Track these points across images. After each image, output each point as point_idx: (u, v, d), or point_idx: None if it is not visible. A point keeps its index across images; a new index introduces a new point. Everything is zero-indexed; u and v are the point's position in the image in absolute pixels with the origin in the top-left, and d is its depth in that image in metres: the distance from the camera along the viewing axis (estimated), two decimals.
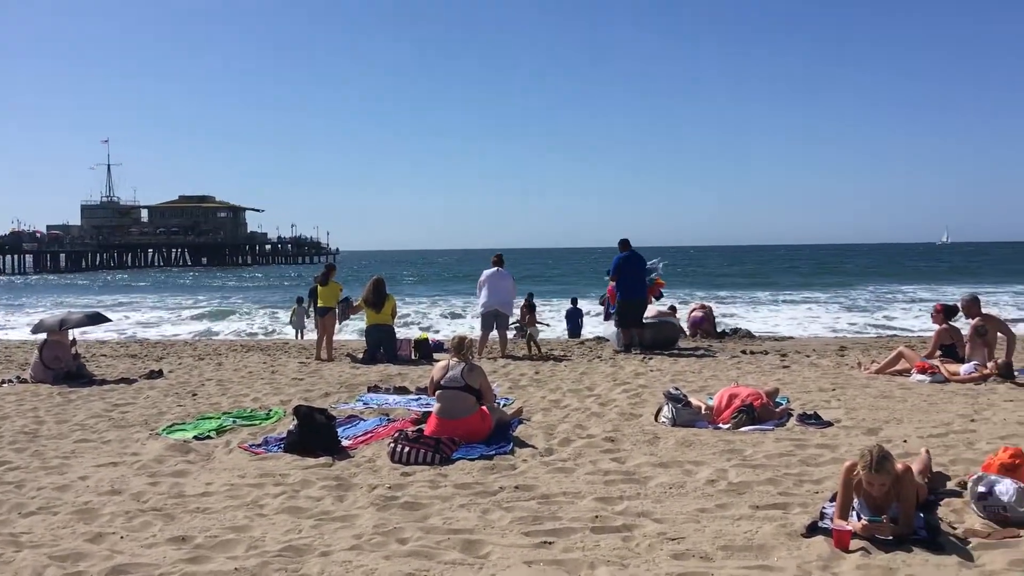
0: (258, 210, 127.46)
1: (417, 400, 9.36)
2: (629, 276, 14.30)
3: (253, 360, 13.54)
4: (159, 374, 11.72)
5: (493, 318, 13.93)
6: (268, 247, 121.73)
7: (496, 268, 14.06)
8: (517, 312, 15.88)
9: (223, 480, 6.17)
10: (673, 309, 18.04)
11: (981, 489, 5.03)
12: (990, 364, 10.44)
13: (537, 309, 17.13)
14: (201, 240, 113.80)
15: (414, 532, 4.91)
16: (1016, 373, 10.51)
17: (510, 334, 14.64)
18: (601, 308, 16.58)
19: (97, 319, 12.84)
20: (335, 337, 14.35)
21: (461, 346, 7.86)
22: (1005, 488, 4.96)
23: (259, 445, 7.21)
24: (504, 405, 8.83)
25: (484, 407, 7.48)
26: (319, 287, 14.21)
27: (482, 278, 14.05)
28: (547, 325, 20.43)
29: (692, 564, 4.33)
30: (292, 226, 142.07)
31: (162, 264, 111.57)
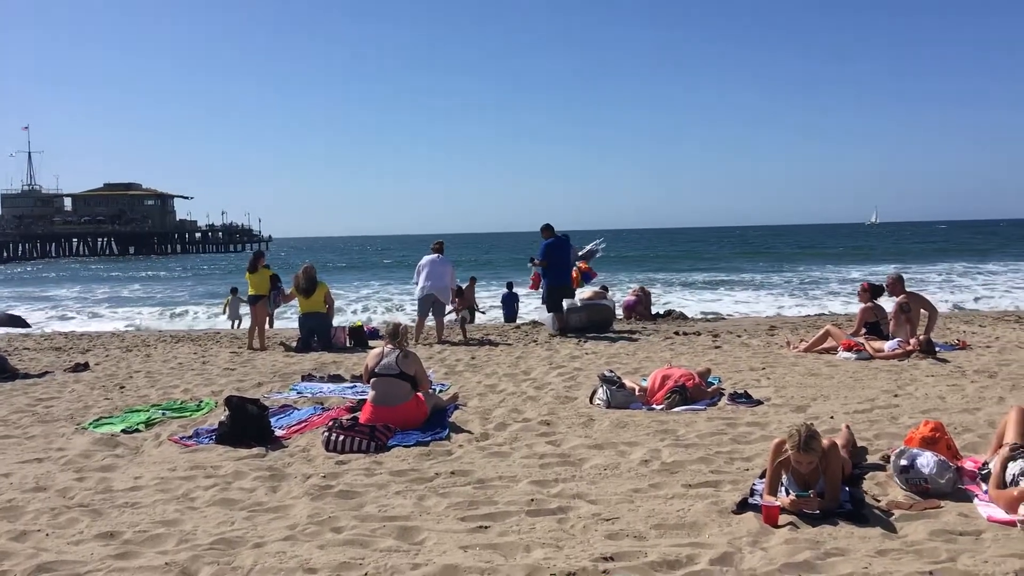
0: (187, 197, 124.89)
1: (352, 388, 9.28)
2: (557, 261, 14.43)
3: (183, 351, 13.26)
4: (85, 367, 11.40)
5: (429, 304, 13.89)
6: (198, 235, 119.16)
7: (436, 255, 14.03)
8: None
9: (152, 474, 6.04)
10: (605, 289, 18.27)
11: (903, 462, 5.19)
12: (912, 341, 10.77)
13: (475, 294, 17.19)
14: (128, 229, 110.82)
15: (349, 521, 4.88)
16: (937, 349, 10.88)
17: (449, 319, 14.60)
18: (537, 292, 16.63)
19: (13, 322, 12.41)
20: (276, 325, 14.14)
21: (396, 333, 7.81)
22: (926, 461, 5.12)
23: (190, 437, 7.08)
24: (440, 391, 8.81)
25: (419, 394, 7.46)
26: (248, 275, 13.96)
27: (421, 263, 13.98)
28: (482, 312, 20.49)
29: (626, 543, 4.39)
30: (223, 213, 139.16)
31: (87, 254, 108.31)
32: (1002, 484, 4.85)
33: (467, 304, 19.48)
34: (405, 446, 6.60)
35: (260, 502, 5.31)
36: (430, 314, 13.96)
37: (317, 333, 13.20)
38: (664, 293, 31.67)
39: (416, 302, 14.02)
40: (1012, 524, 4.49)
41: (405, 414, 7.21)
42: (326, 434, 6.66)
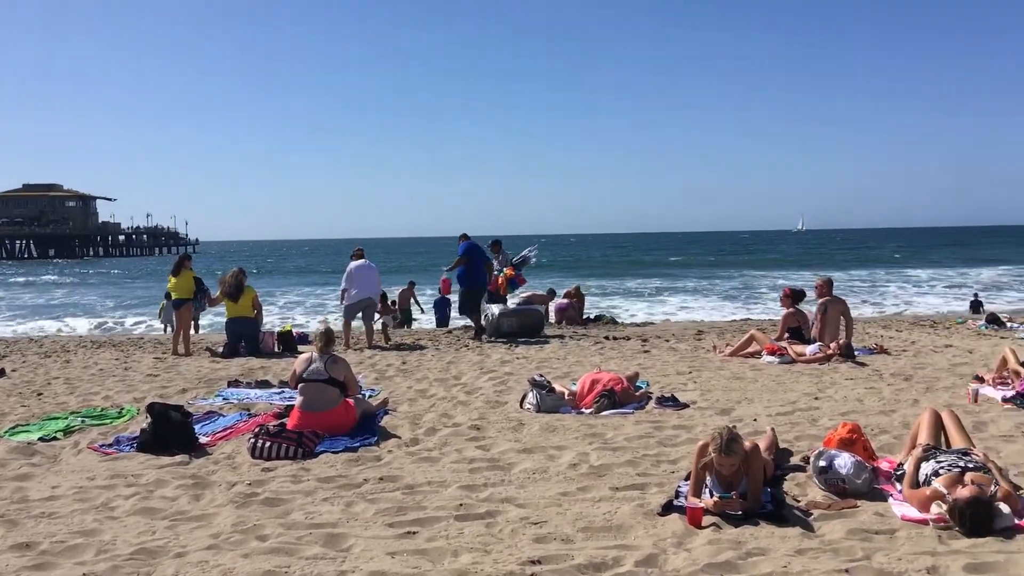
0: (110, 199, 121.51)
1: (280, 394, 9.16)
2: (473, 265, 14.60)
3: (104, 356, 12.90)
4: (0, 373, 11.02)
5: (360, 309, 13.82)
6: (122, 238, 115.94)
7: (362, 260, 13.98)
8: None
9: (71, 483, 5.87)
10: (552, 293, 18.43)
11: (822, 463, 5.34)
12: (833, 345, 11.08)
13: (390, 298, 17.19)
14: (48, 231, 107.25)
15: (275, 528, 4.81)
16: (856, 353, 11.22)
17: (377, 325, 14.52)
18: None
19: None
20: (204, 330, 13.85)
21: (326, 338, 7.75)
22: (843, 462, 5.28)
23: (110, 445, 6.89)
24: (370, 396, 8.75)
25: (348, 399, 7.40)
26: (171, 278, 13.66)
27: (350, 269, 13.88)
28: (423, 311, 20.49)
29: (553, 547, 4.42)
30: (148, 216, 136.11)
31: (5, 257, 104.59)
32: (915, 484, 5.02)
33: (403, 307, 19.47)
34: (333, 452, 6.54)
35: (183, 511, 5.20)
36: (357, 318, 13.91)
37: (245, 338, 12.99)
38: (601, 299, 31.95)
39: (344, 308, 13.91)
40: (924, 523, 4.65)
41: (334, 420, 7.14)
42: (252, 440, 6.56)
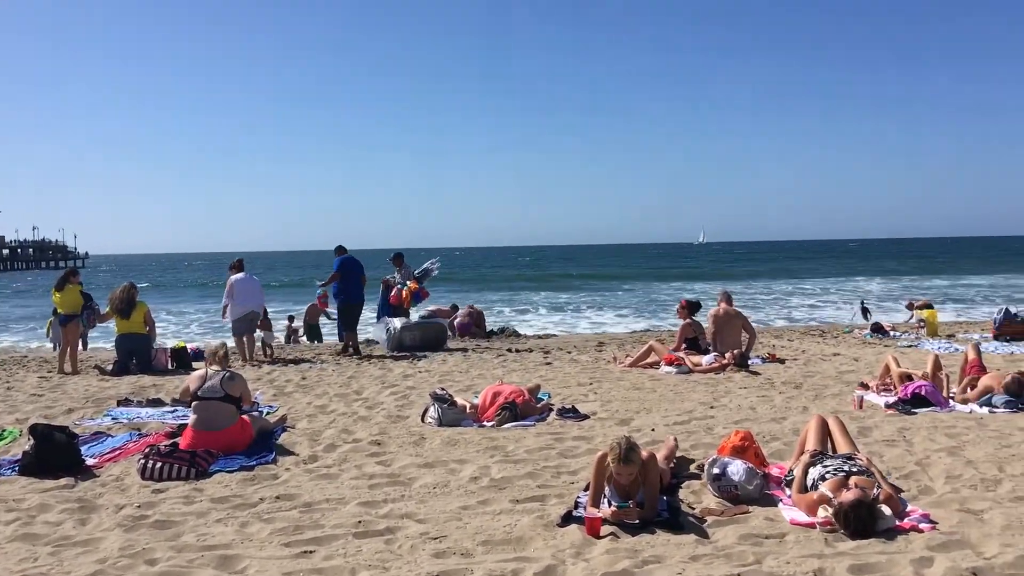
0: None
1: (173, 412, 8.87)
2: (350, 281, 14.33)
3: None
4: None
5: (249, 322, 13.56)
6: (6, 252, 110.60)
7: (243, 273, 13.72)
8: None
9: None
10: (455, 308, 18.37)
11: (715, 471, 5.48)
12: (728, 355, 11.39)
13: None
14: None
15: (165, 552, 4.65)
16: (750, 362, 11.56)
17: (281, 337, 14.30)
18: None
19: None
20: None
21: (221, 354, 7.55)
22: (736, 469, 5.43)
23: None
24: (267, 413, 8.57)
25: (244, 416, 7.22)
26: (55, 293, 13.10)
27: (233, 283, 13.56)
28: (332, 319, 20.10)
29: (453, 561, 4.41)
30: (34, 228, 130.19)
31: None
32: (804, 489, 5.20)
33: (311, 322, 19.18)
34: (228, 471, 6.37)
35: (67, 536, 4.98)
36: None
37: (136, 355, 12.55)
38: (503, 312, 32.05)
39: (232, 323, 13.60)
40: (812, 526, 4.82)
41: (229, 438, 6.95)
42: (142, 461, 6.33)
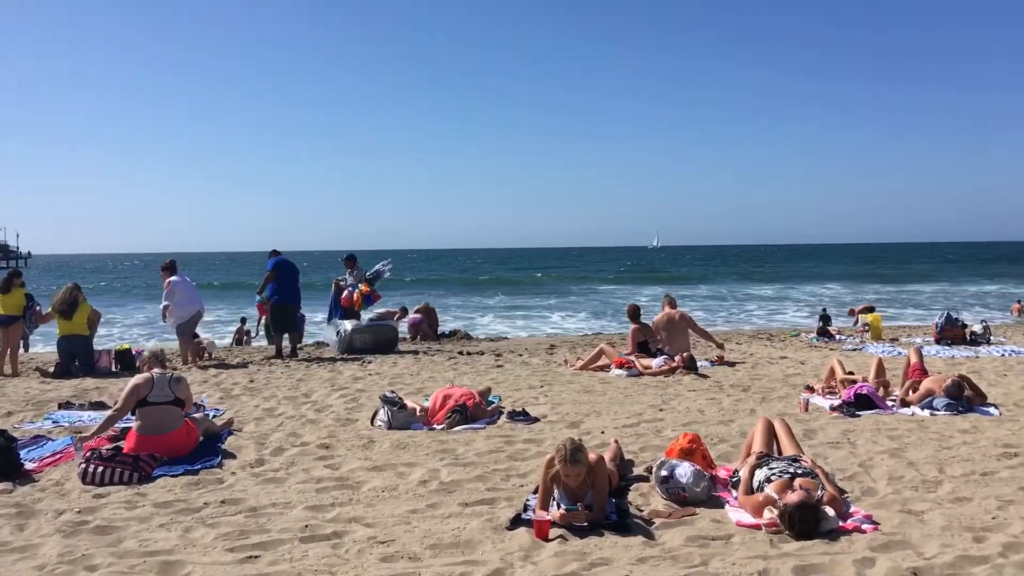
0: None
1: None
2: (285, 281, 14.13)
3: None
4: None
5: (195, 323, 13.37)
6: None
7: (179, 275, 13.52)
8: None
9: None
10: (404, 311, 18.26)
11: (663, 473, 5.52)
12: (677, 358, 11.50)
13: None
14: None
15: (105, 558, 4.55)
16: (700, 365, 11.68)
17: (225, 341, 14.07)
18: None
19: None
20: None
21: (160, 357, 7.42)
22: (684, 471, 5.48)
23: None
24: (214, 416, 8.43)
25: (188, 419, 7.10)
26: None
27: (171, 283, 13.33)
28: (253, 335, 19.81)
29: (400, 566, 4.38)
30: None
31: None
32: (750, 490, 5.26)
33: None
34: (172, 476, 6.25)
35: (4, 542, 4.85)
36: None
37: (78, 357, 12.29)
38: (457, 314, 31.97)
39: (176, 326, 13.39)
40: (757, 527, 4.87)
41: (175, 442, 6.82)
42: (83, 466, 6.19)
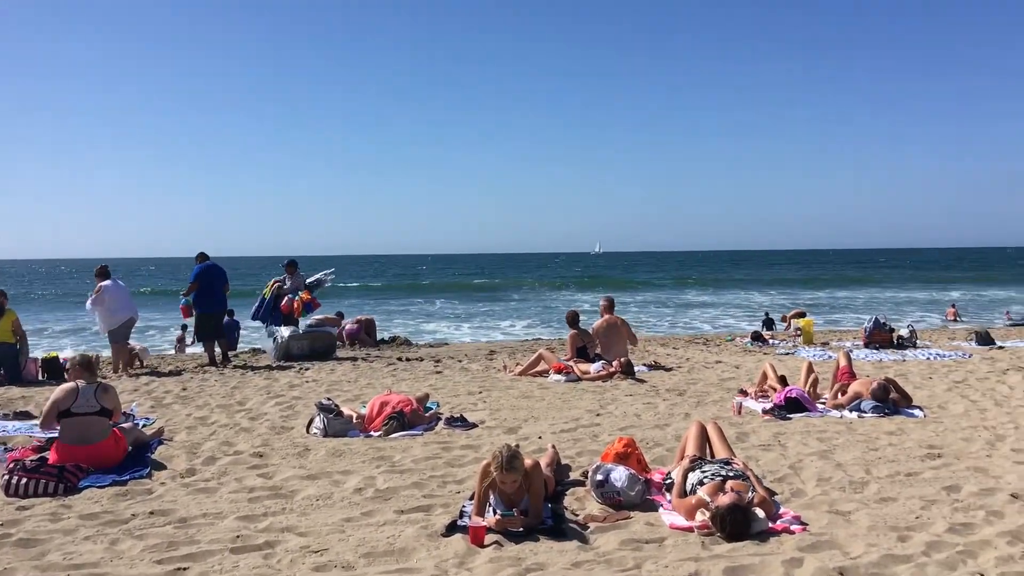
0: None
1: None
2: (209, 287, 13.90)
3: None
4: None
5: (127, 330, 13.08)
6: None
7: (111, 280, 13.20)
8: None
9: None
10: (341, 316, 18.07)
11: (599, 477, 5.56)
12: (615, 363, 11.59)
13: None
14: None
15: (28, 571, 4.42)
16: (637, 369, 11.80)
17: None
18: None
19: None
20: None
21: (89, 365, 7.23)
22: (619, 475, 5.52)
23: None
24: (144, 426, 8.25)
25: (116, 429, 6.93)
26: None
27: (102, 289, 13.01)
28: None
29: (334, 575, 4.33)
30: None
31: None
32: (683, 493, 5.33)
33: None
34: (99, 487, 6.10)
35: None
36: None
37: (4, 366, 11.92)
38: (397, 320, 31.80)
39: (108, 332, 13.07)
40: (690, 530, 4.94)
41: (102, 452, 6.65)
42: (6, 477, 6.01)
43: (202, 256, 14.19)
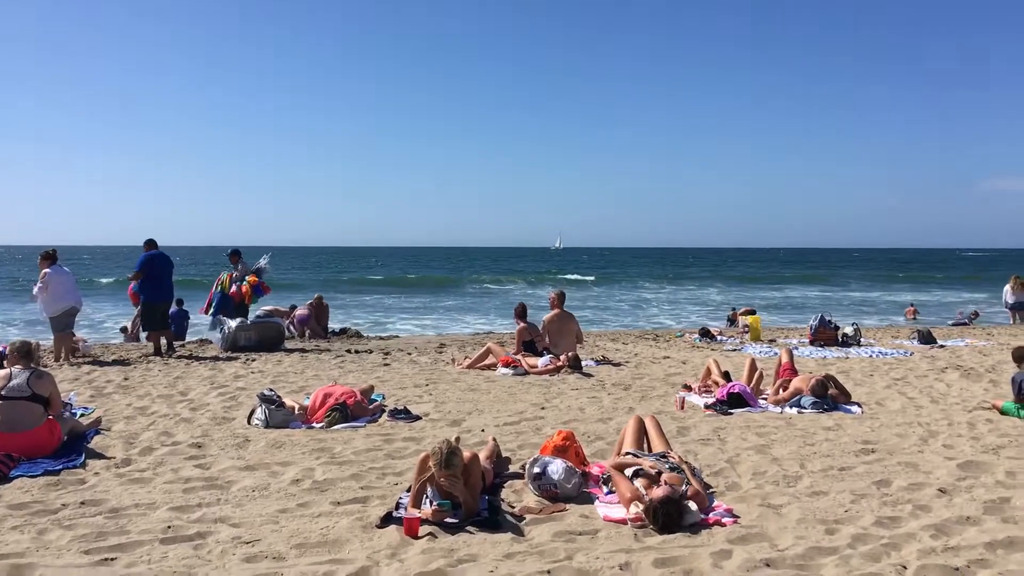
0: None
1: None
2: (156, 276, 13.66)
3: None
4: None
5: (70, 318, 12.83)
6: None
7: (57, 265, 12.94)
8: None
9: None
10: (293, 308, 17.91)
11: (536, 470, 5.59)
12: (562, 357, 11.65)
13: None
14: None
15: None
16: (585, 364, 11.87)
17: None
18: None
19: None
20: None
21: (28, 351, 7.10)
22: (556, 468, 5.56)
23: None
24: (81, 415, 8.12)
25: (52, 417, 6.80)
26: None
27: (47, 275, 12.73)
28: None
29: (264, 566, 4.30)
30: None
31: None
32: (620, 468, 5.39)
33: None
34: (31, 476, 5.99)
35: None
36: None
37: None
38: (350, 312, 31.59)
39: (51, 320, 12.81)
40: (624, 522, 4.99)
41: (35, 440, 6.53)
42: None
43: (149, 243, 13.87)
